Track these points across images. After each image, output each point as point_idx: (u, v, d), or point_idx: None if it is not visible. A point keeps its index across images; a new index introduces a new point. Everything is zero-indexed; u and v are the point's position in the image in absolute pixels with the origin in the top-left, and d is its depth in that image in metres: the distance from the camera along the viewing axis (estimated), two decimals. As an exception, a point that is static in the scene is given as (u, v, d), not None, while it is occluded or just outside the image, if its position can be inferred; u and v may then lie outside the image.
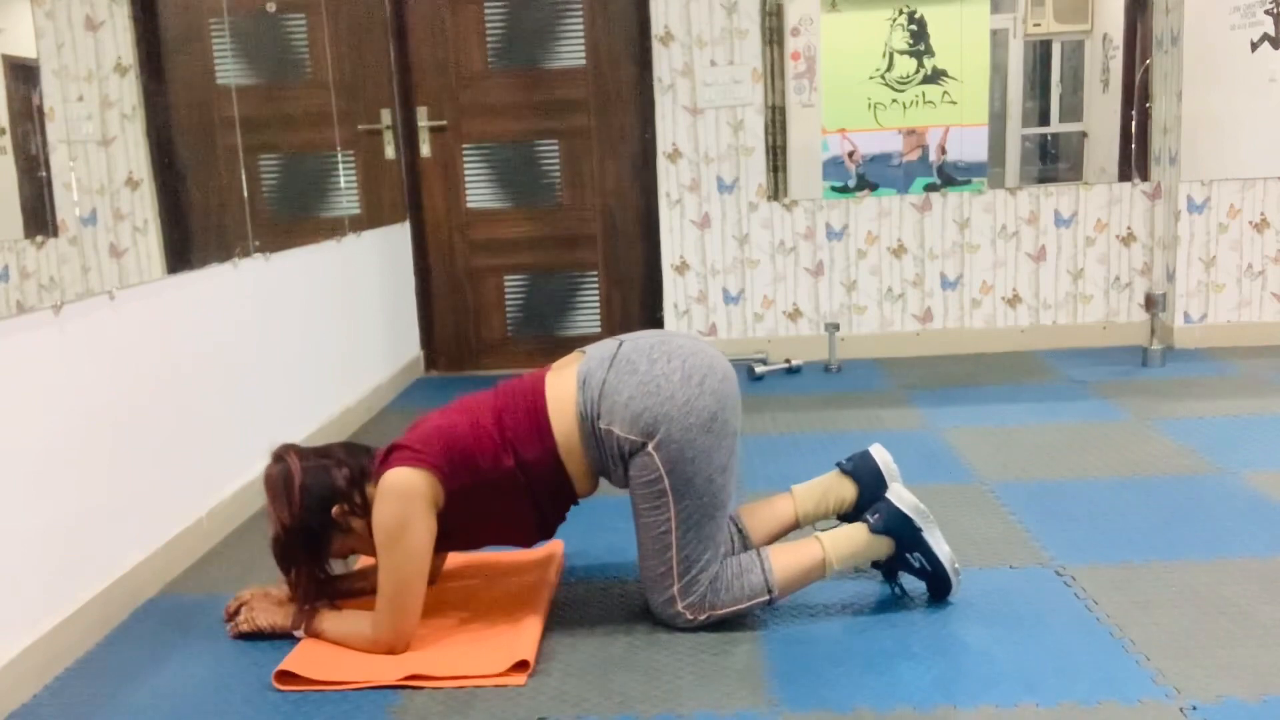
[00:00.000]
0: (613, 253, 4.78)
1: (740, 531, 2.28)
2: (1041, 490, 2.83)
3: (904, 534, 2.15)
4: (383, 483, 2.00)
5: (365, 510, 2.06)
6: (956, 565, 2.17)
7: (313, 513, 2.07)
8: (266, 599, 2.21)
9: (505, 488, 2.05)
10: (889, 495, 2.19)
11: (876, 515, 2.17)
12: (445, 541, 2.10)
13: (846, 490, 2.35)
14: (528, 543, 2.21)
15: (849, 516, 2.33)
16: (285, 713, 1.89)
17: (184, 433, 2.67)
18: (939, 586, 2.18)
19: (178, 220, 2.82)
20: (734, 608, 2.10)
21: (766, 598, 2.11)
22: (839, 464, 2.39)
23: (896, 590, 2.23)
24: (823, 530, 2.20)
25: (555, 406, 2.06)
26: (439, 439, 2.03)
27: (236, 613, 2.21)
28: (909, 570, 2.18)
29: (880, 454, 2.36)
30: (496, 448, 2.03)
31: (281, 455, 2.12)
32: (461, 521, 2.07)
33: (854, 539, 2.16)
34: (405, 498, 1.98)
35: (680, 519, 2.04)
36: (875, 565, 2.23)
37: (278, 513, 2.08)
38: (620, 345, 2.12)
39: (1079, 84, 5.09)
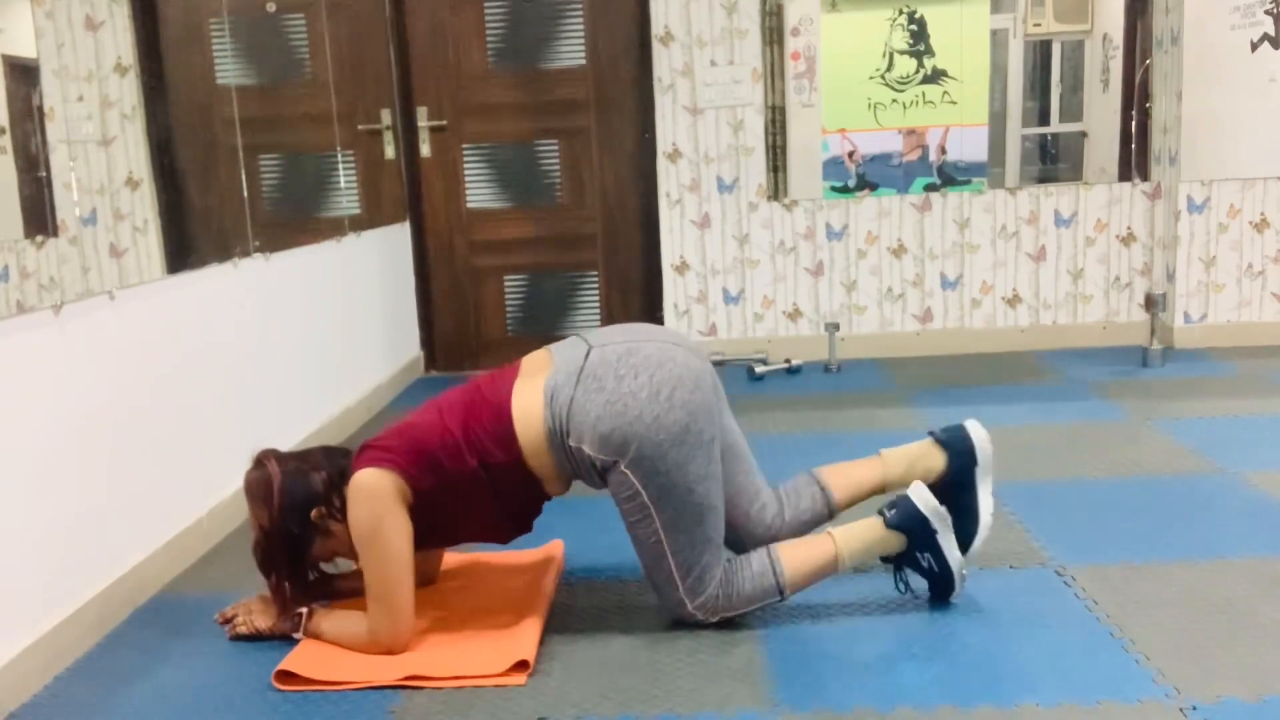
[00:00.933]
0: (613, 253, 4.78)
1: (823, 490, 2.26)
2: (1041, 490, 2.83)
3: (918, 533, 2.14)
4: (351, 486, 2.02)
5: (344, 513, 2.06)
6: (965, 572, 2.17)
7: (292, 517, 2.08)
8: (265, 601, 2.21)
9: (470, 487, 2.05)
10: (909, 492, 2.17)
11: (893, 510, 2.16)
12: (421, 539, 2.10)
13: (935, 460, 2.30)
14: (504, 539, 2.20)
15: (935, 488, 2.25)
16: (285, 713, 1.89)
17: (184, 433, 2.67)
18: (941, 589, 2.18)
19: (178, 220, 2.82)
20: (746, 608, 2.11)
21: (778, 597, 2.12)
22: (931, 433, 2.34)
23: (900, 587, 2.22)
24: (836, 527, 2.20)
25: (521, 418, 2.03)
26: (404, 437, 2.04)
27: (232, 619, 2.22)
28: (916, 568, 2.18)
29: (976, 430, 2.30)
30: (460, 449, 2.02)
31: (261, 460, 2.14)
32: (433, 519, 2.07)
33: (867, 534, 2.16)
34: (373, 498, 1.99)
35: (667, 528, 2.03)
36: (884, 560, 2.22)
37: (257, 517, 2.10)
38: (588, 355, 2.07)
39: (1079, 84, 5.09)
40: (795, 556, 2.13)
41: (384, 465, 2.01)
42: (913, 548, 2.15)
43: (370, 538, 1.99)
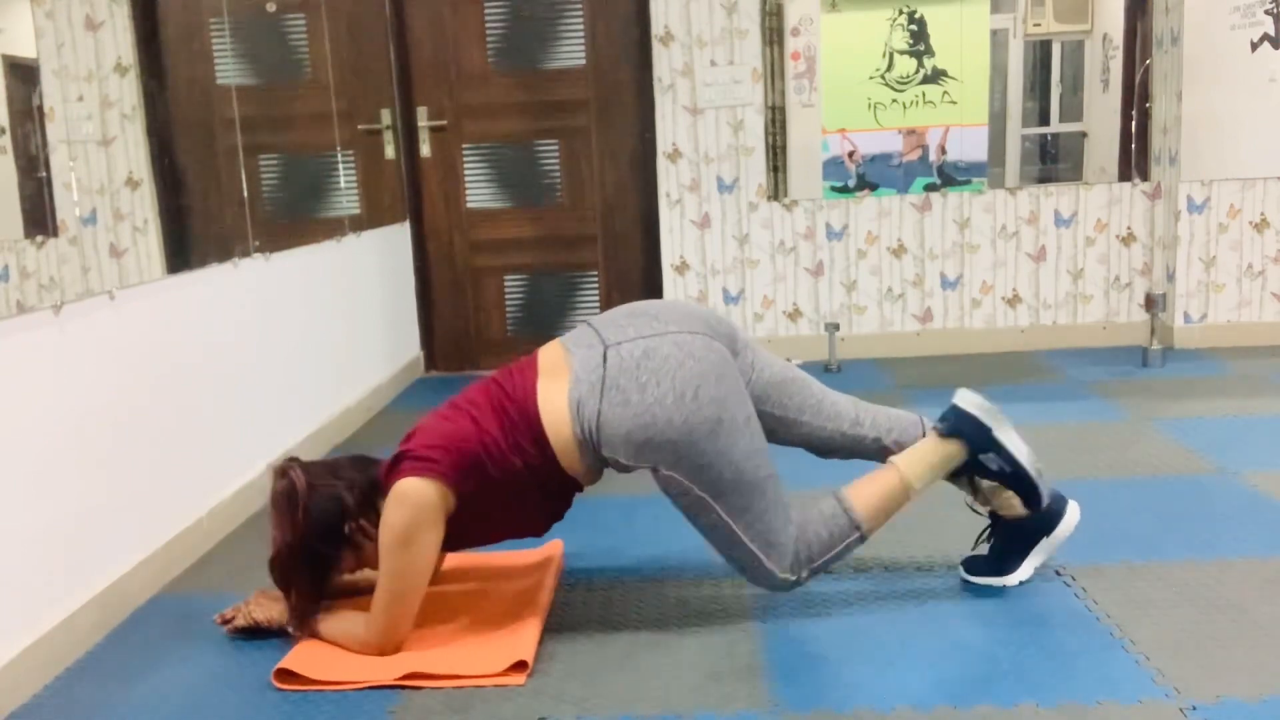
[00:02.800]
0: (613, 253, 4.78)
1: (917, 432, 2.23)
2: (1041, 490, 2.83)
3: (974, 435, 2.10)
4: (395, 491, 1.97)
5: (377, 525, 2.03)
6: (1039, 465, 2.11)
7: (318, 532, 2.03)
8: (265, 596, 2.22)
9: (514, 488, 2.03)
10: (955, 399, 2.14)
11: (944, 421, 2.13)
12: (457, 542, 2.09)
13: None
14: (538, 533, 2.19)
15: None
16: (285, 713, 1.89)
17: (184, 433, 2.67)
18: (1027, 490, 2.13)
19: (178, 220, 2.82)
20: (830, 554, 2.10)
21: (857, 535, 2.10)
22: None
23: (980, 500, 2.17)
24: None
25: (552, 428, 2.01)
26: (446, 446, 1.99)
27: (231, 619, 2.21)
28: (989, 475, 2.13)
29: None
30: (504, 451, 2.00)
31: (285, 471, 2.07)
32: (473, 522, 2.06)
33: (927, 453, 2.14)
34: (417, 507, 1.96)
35: (731, 513, 2.02)
36: (953, 479, 2.17)
37: (281, 531, 2.04)
38: (606, 362, 2.02)
39: (1079, 84, 5.09)
40: (861, 492, 2.12)
41: (428, 475, 1.96)
42: (974, 450, 2.12)
43: (402, 543, 1.96)
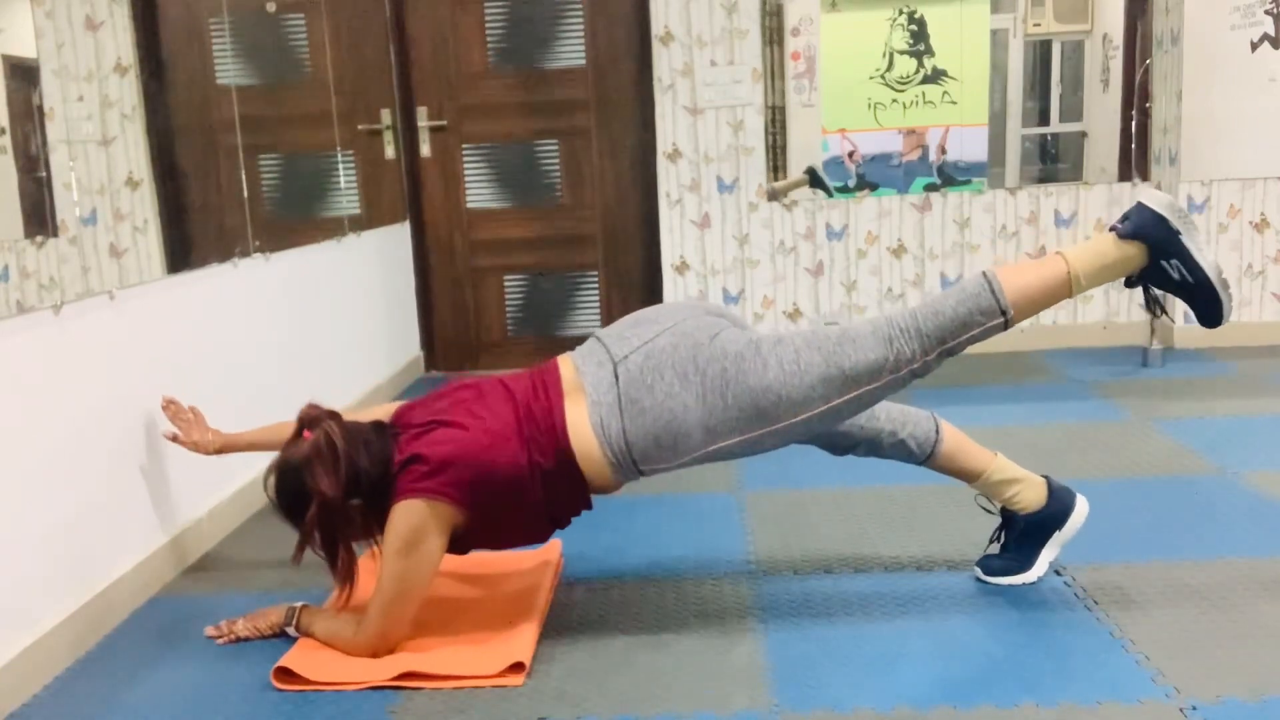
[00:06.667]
0: (613, 253, 4.78)
1: (936, 433, 2.19)
2: (1041, 490, 2.83)
3: (1158, 238, 1.91)
4: (404, 506, 1.95)
5: (379, 521, 2.01)
6: (1224, 276, 1.96)
7: (352, 492, 1.97)
8: (249, 616, 2.20)
9: (528, 508, 2.03)
10: (1139, 197, 1.95)
11: (1125, 220, 1.95)
12: (456, 548, 2.09)
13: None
14: (541, 541, 2.19)
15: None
16: (285, 713, 1.89)
17: (184, 433, 2.67)
18: (1206, 303, 1.96)
19: (178, 220, 2.82)
20: (964, 336, 1.93)
21: (1000, 320, 1.92)
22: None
23: (1155, 310, 2.04)
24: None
25: (586, 460, 1.99)
26: (466, 465, 1.96)
27: (216, 637, 2.19)
28: (1167, 284, 1.97)
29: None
30: (525, 481, 1.98)
31: (318, 420, 2.00)
32: (475, 533, 2.05)
33: (1101, 250, 1.94)
34: (427, 519, 1.95)
35: (806, 409, 1.94)
36: (1128, 284, 2.01)
37: (321, 484, 1.94)
38: (618, 380, 1.99)
39: (1079, 84, 5.09)
40: (1016, 274, 1.93)
41: (439, 498, 1.95)
42: (1156, 256, 1.93)
43: (404, 551, 1.96)
